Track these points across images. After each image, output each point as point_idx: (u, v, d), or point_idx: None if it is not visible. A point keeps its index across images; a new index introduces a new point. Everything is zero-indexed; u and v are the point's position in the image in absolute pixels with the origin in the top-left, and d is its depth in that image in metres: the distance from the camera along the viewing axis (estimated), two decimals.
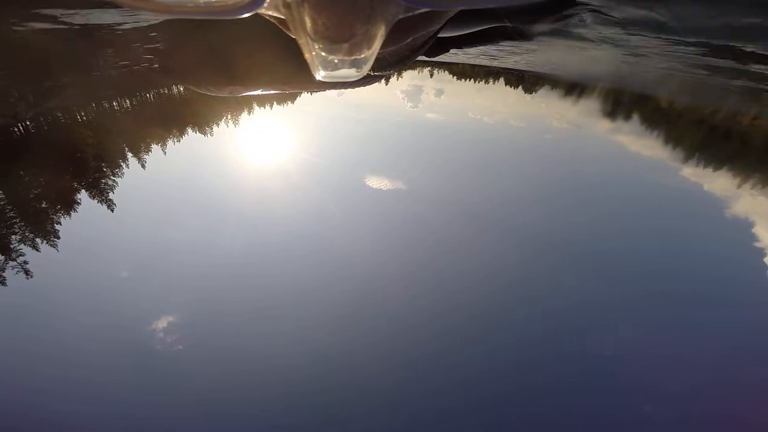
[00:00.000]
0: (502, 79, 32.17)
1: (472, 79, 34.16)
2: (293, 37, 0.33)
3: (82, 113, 14.57)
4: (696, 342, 16.20)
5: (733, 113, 13.98)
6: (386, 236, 24.40)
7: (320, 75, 0.34)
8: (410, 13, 0.32)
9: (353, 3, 0.28)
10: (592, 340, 16.79)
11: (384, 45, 0.33)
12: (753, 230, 21.96)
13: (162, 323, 16.54)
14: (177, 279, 19.25)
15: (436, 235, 24.50)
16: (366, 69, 0.34)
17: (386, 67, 0.71)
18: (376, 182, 31.96)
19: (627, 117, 23.87)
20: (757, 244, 20.93)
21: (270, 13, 0.31)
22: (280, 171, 33.52)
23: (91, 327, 15.32)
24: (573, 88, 24.02)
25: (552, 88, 27.90)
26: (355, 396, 15.21)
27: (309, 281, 19.96)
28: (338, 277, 20.38)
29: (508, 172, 33.98)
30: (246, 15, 0.27)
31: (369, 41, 0.31)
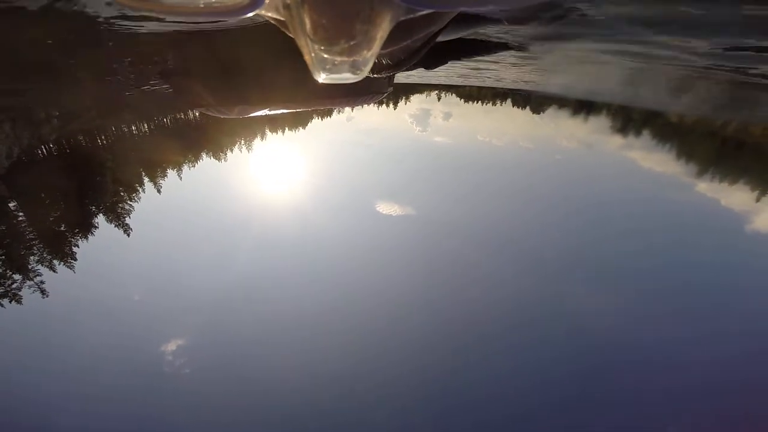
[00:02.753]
0: (509, 101, 32.54)
1: (479, 102, 34.65)
2: (293, 36, 0.33)
3: (103, 137, 15.13)
4: (719, 357, 15.47)
5: (745, 124, 13.85)
6: (398, 262, 24.26)
7: (320, 77, 0.34)
8: (410, 15, 0.32)
9: (353, 4, 0.27)
10: (613, 357, 16.24)
11: (384, 46, 0.33)
12: None
13: (171, 346, 16.60)
14: (188, 303, 19.35)
15: (447, 259, 24.27)
16: (366, 71, 0.34)
17: (386, 69, 0.72)
18: (386, 208, 32.01)
19: (638, 133, 23.74)
20: None
21: (270, 14, 0.31)
22: (292, 196, 33.96)
23: (102, 347, 15.40)
24: (581, 107, 24.15)
25: (560, 108, 28.07)
26: (363, 420, 14.85)
27: (319, 306, 19.83)
28: (349, 302, 20.22)
29: (520, 194, 33.81)
30: (246, 16, 0.27)
31: (369, 43, 0.30)
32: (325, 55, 0.31)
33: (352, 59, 0.31)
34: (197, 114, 17.34)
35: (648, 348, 16.28)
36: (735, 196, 22.01)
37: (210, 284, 20.42)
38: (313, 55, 0.31)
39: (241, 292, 20.18)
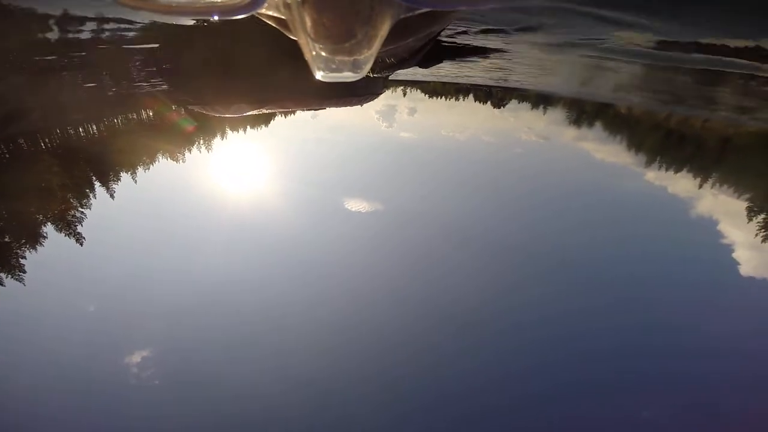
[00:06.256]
0: (471, 96, 33.16)
1: (443, 97, 35.02)
2: (293, 38, 0.33)
3: (47, 140, 14.10)
4: (674, 343, 16.57)
5: (685, 117, 14.91)
6: (369, 257, 24.24)
7: (320, 75, 0.34)
8: (410, 14, 0.33)
9: (354, 3, 0.27)
10: (566, 347, 17.03)
11: (384, 45, 0.33)
12: (718, 227, 22.87)
13: (135, 358, 15.90)
14: (150, 312, 18.49)
15: (416, 253, 24.49)
16: (365, 70, 0.34)
17: (387, 67, 0.72)
18: (354, 204, 31.73)
19: (590, 124, 25.00)
20: (724, 241, 21.83)
21: (270, 13, 0.31)
22: (256, 196, 32.97)
23: (58, 365, 14.56)
24: (539, 100, 25.05)
25: (519, 102, 28.97)
26: (340, 421, 14.84)
27: (289, 307, 19.51)
28: (320, 301, 20.01)
29: (482, 187, 34.55)
30: (246, 15, 0.27)
31: (369, 42, 0.30)
32: (326, 54, 0.30)
33: (352, 58, 0.31)
34: (151, 113, 16.49)
35: (613, 335, 17.23)
36: (679, 184, 23.66)
37: (173, 290, 19.61)
38: (313, 54, 0.31)
39: (206, 297, 19.50)
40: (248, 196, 33.19)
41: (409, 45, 0.64)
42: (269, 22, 0.37)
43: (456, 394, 15.35)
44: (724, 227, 22.56)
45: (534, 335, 17.66)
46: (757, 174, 17.99)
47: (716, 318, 17.00)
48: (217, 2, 0.27)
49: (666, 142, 20.30)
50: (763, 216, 18.60)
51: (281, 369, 16.26)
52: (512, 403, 15.15)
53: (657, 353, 15.96)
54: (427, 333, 17.82)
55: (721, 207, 21.93)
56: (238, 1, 0.26)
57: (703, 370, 14.90)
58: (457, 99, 34.67)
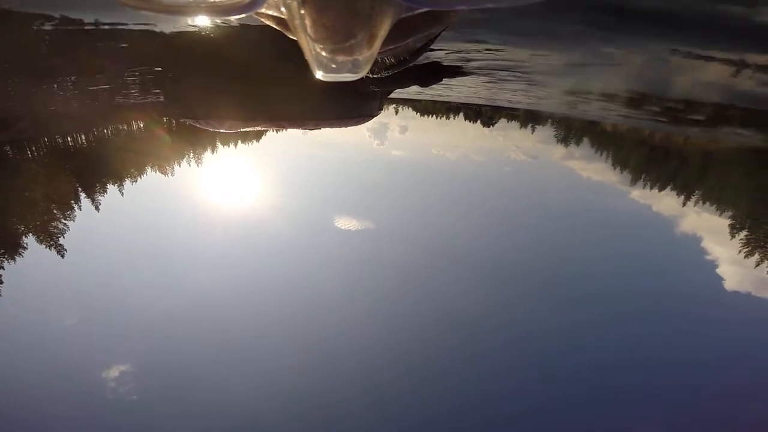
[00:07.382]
0: (461, 114, 33.83)
1: (433, 115, 35.65)
2: (293, 38, 0.33)
3: (33, 148, 13.90)
4: (663, 359, 16.64)
5: (668, 134, 15.37)
6: (358, 275, 24.13)
7: (319, 75, 0.34)
8: (410, 13, 0.33)
9: (354, 3, 0.27)
10: (556, 364, 17.02)
11: (383, 45, 0.33)
12: (702, 245, 23.41)
13: (113, 372, 15.48)
14: (130, 326, 18.06)
15: (406, 272, 24.48)
16: (365, 70, 0.34)
17: (387, 68, 0.71)
18: (345, 223, 31.74)
19: (578, 142, 25.67)
20: (708, 257, 22.33)
21: (270, 13, 0.31)
22: (245, 212, 32.84)
23: (35, 376, 14.03)
24: (528, 118, 25.67)
25: (509, 121, 29.69)
26: None
27: (277, 324, 19.25)
28: (309, 319, 19.77)
29: (473, 206, 35.09)
30: (246, 15, 0.27)
31: (369, 42, 0.30)
32: (326, 54, 0.30)
33: (352, 58, 0.31)
34: (141, 125, 16.44)
35: (601, 351, 17.26)
36: (664, 202, 24.24)
37: (156, 305, 19.18)
38: (313, 54, 0.30)
39: (190, 312, 19.14)
40: (237, 211, 32.94)
41: (408, 46, 0.64)
42: (268, 23, 0.37)
43: (442, 412, 15.15)
44: (708, 244, 23.10)
45: (525, 351, 17.62)
46: (737, 191, 18.49)
47: (705, 332, 17.21)
48: (217, 2, 0.26)
49: (650, 157, 20.84)
50: (744, 232, 19.06)
51: (267, 386, 15.88)
52: (506, 419, 14.98)
53: (646, 368, 16.00)
54: (418, 349, 17.66)
55: (704, 224, 22.53)
56: (237, 1, 0.26)
57: (694, 382, 14.96)
58: (447, 117, 35.40)
